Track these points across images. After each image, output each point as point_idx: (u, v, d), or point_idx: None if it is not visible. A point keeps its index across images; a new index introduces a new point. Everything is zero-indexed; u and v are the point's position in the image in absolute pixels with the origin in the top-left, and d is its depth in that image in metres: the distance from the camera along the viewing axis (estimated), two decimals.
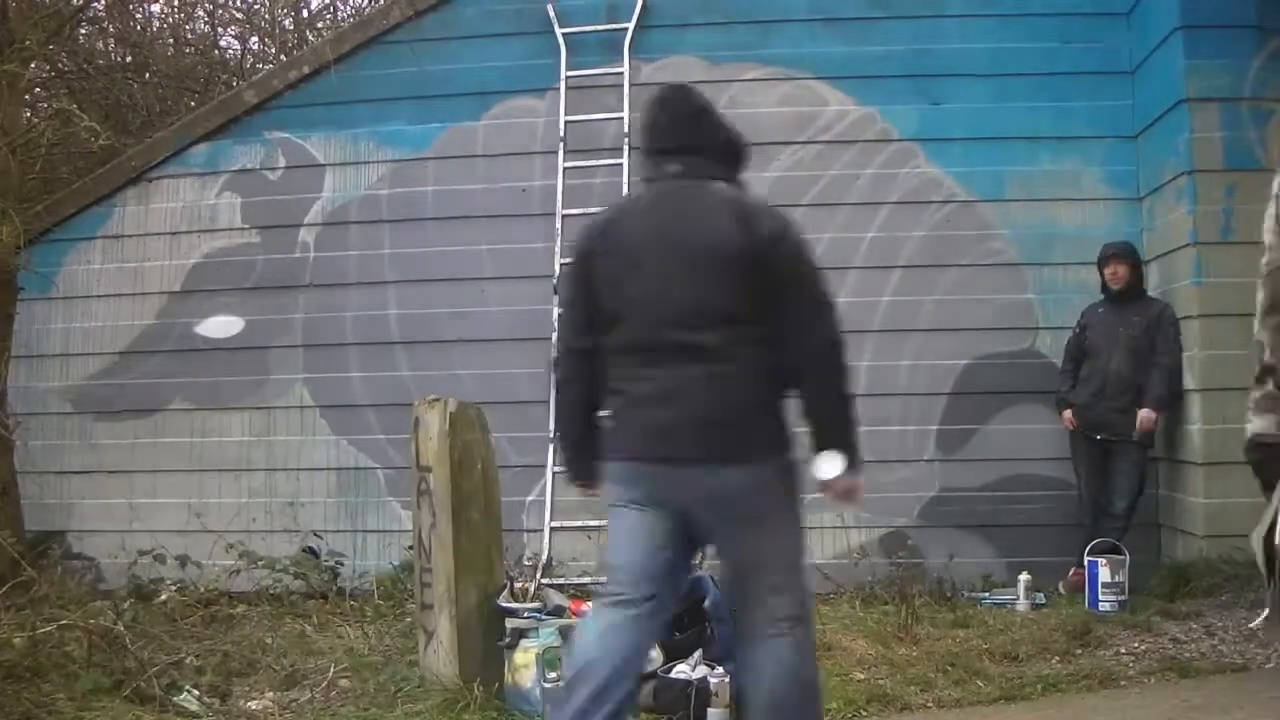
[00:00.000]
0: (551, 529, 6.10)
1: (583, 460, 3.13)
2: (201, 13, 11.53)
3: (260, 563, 5.87)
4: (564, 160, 6.45)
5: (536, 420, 6.24)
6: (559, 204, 6.41)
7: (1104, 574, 5.28)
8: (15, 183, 6.18)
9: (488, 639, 4.11)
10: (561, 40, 6.54)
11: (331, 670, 4.48)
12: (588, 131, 6.52)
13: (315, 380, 6.70)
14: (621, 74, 6.47)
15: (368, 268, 6.70)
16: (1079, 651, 4.59)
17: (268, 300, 6.76)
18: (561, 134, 6.48)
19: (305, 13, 12.00)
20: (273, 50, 11.36)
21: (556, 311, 6.26)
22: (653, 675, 3.92)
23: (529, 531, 6.24)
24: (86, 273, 6.93)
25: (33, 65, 7.04)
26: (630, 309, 2.94)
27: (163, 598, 5.57)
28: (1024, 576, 5.50)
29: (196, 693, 4.18)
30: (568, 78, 6.52)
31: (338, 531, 6.46)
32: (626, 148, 6.38)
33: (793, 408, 2.99)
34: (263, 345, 6.75)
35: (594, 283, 3.01)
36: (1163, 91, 5.84)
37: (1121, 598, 5.26)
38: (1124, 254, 5.76)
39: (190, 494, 6.65)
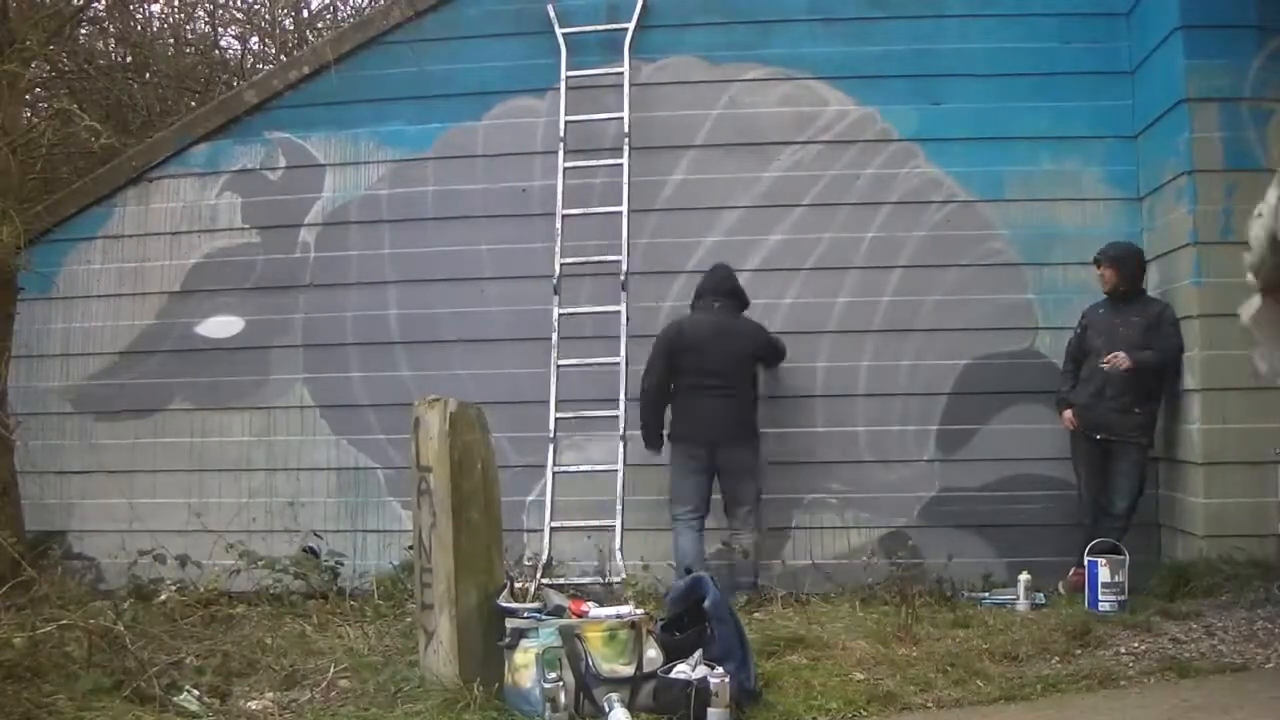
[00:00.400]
0: (551, 529, 6.10)
1: None
2: (201, 13, 11.56)
3: (260, 563, 5.87)
4: (564, 160, 6.45)
5: (536, 420, 6.24)
6: (559, 204, 6.41)
7: (1104, 574, 5.28)
8: (15, 183, 6.19)
9: (488, 639, 4.11)
10: (561, 40, 6.54)
11: (331, 670, 4.47)
12: (588, 131, 6.52)
13: (315, 380, 6.71)
14: (622, 74, 6.47)
15: (368, 268, 6.70)
16: (1079, 651, 4.59)
17: (268, 300, 6.76)
18: (561, 134, 6.48)
19: (305, 13, 12.02)
20: (273, 50, 11.37)
21: (556, 313, 6.28)
22: (653, 675, 3.92)
23: (529, 531, 6.24)
24: (86, 273, 6.94)
25: (33, 65, 7.04)
26: None
27: (163, 598, 5.57)
28: (1024, 576, 5.50)
29: (196, 693, 4.18)
30: (568, 78, 6.52)
31: (338, 531, 6.47)
32: (626, 148, 6.39)
33: None
34: (263, 345, 6.75)
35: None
36: (1163, 91, 5.84)
37: (1121, 598, 5.25)
38: (1111, 257, 5.74)
39: (190, 494, 6.66)
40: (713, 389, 5.83)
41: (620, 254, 6.30)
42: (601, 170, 6.46)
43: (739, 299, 6.03)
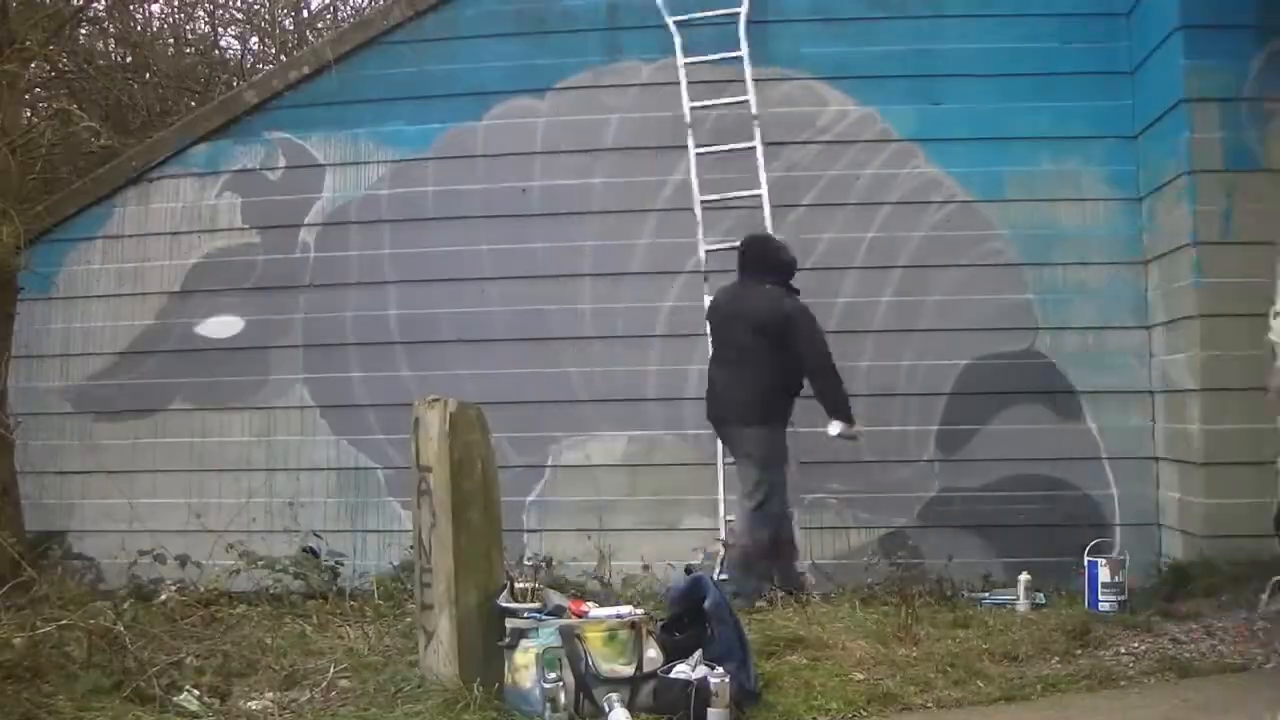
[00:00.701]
0: (551, 529, 6.10)
1: None
2: (201, 13, 11.55)
3: (260, 563, 5.87)
4: (694, 148, 6.33)
5: (536, 420, 6.24)
6: (695, 193, 6.29)
7: (1104, 574, 5.27)
8: (15, 183, 6.18)
9: (488, 639, 4.10)
10: (673, 27, 6.44)
11: (331, 670, 4.47)
12: (711, 119, 6.41)
13: (315, 380, 6.71)
14: (740, 58, 6.34)
15: (368, 268, 6.70)
16: (1079, 651, 4.59)
17: (268, 300, 6.76)
18: (688, 121, 6.36)
19: (305, 13, 12.01)
20: (273, 50, 11.37)
21: (708, 300, 6.15)
22: (653, 675, 3.92)
23: (529, 531, 6.24)
24: (86, 273, 6.94)
25: (33, 65, 7.04)
26: None
27: (163, 598, 5.57)
28: (1024, 576, 5.49)
29: (196, 693, 4.17)
30: (685, 65, 6.39)
31: (338, 531, 6.47)
32: (758, 132, 6.29)
33: None
34: (263, 345, 6.75)
35: None
36: (1162, 92, 5.85)
37: (1121, 598, 5.25)
38: None
39: (190, 494, 6.66)
40: (721, 362, 5.68)
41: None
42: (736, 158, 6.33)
43: (769, 268, 5.67)
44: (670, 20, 6.44)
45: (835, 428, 5.55)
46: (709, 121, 6.41)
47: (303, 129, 6.81)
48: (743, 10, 6.40)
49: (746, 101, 6.31)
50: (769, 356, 5.49)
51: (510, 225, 6.58)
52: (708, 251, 6.21)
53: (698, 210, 6.29)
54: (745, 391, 5.53)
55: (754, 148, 6.26)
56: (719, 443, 5.96)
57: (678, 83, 6.44)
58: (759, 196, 6.21)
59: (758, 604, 5.28)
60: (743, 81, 6.33)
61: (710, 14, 6.44)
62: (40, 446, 6.66)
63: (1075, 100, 6.27)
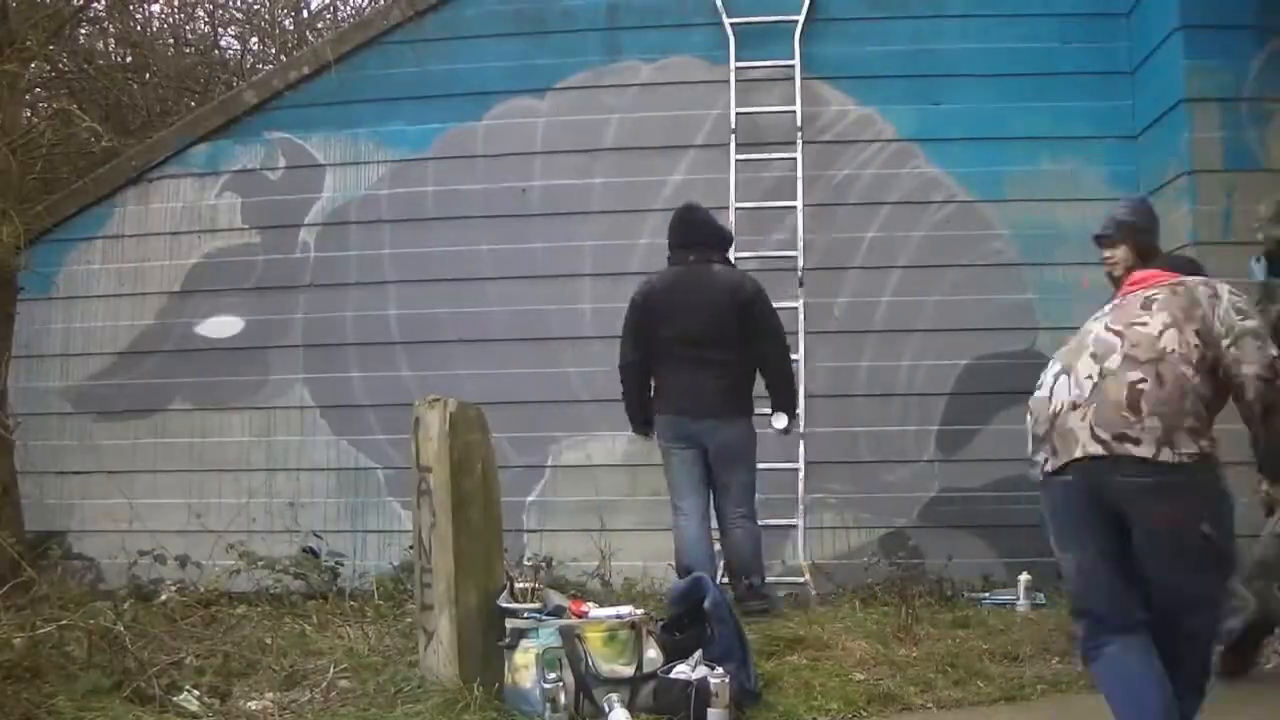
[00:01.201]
0: (551, 529, 6.10)
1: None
2: (201, 13, 11.57)
3: (260, 563, 5.87)
4: (735, 153, 6.36)
5: (536, 420, 6.23)
6: (732, 196, 6.31)
7: None
8: (15, 183, 6.18)
9: (488, 639, 4.10)
10: (730, 30, 6.47)
11: (331, 671, 4.47)
12: (754, 124, 6.44)
13: (315, 380, 6.71)
14: (792, 66, 6.39)
15: (368, 268, 6.70)
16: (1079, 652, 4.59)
17: (268, 300, 6.76)
18: (733, 126, 6.39)
19: (305, 13, 12.02)
20: (273, 50, 11.37)
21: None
22: (653, 675, 3.92)
23: (529, 531, 6.25)
24: (86, 273, 6.94)
25: (33, 65, 7.04)
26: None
27: (163, 598, 5.57)
28: (1024, 576, 5.50)
29: (196, 693, 4.17)
30: (737, 69, 6.43)
31: (338, 531, 6.47)
32: (800, 141, 6.34)
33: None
34: (263, 345, 6.75)
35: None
36: (1163, 91, 5.85)
37: None
38: None
39: (190, 494, 6.66)
40: (685, 358, 5.08)
41: (796, 249, 6.26)
42: (775, 164, 6.39)
43: (716, 243, 5.28)
44: (728, 22, 6.45)
45: (782, 420, 5.22)
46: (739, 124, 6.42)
47: (303, 129, 6.81)
48: (800, 19, 6.40)
49: (794, 111, 6.34)
50: (739, 341, 5.08)
51: (510, 225, 6.58)
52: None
53: (732, 215, 6.25)
54: (725, 382, 5.07)
55: (795, 158, 6.30)
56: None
57: (679, 83, 6.46)
58: (795, 207, 6.26)
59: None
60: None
61: (769, 19, 6.44)
62: (40, 446, 6.65)
63: (1075, 100, 6.27)
